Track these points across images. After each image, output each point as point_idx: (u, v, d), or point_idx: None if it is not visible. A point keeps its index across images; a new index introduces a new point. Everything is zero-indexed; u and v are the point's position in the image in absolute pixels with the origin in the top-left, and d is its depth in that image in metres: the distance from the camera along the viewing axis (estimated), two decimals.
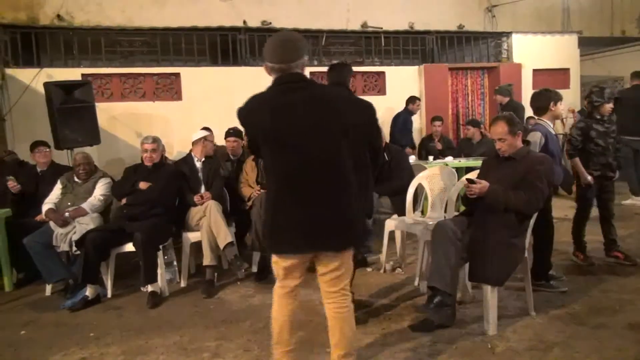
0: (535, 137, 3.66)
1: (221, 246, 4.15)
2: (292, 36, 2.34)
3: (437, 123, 7.25)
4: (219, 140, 5.49)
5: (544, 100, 3.87)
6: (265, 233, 2.41)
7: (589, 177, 4.12)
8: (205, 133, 4.77)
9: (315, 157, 2.22)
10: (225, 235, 4.14)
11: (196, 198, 4.38)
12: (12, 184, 4.54)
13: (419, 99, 7.32)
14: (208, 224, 4.17)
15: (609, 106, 4.20)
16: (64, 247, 4.15)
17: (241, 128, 2.45)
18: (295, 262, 2.32)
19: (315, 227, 2.22)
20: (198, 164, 4.62)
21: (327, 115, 2.23)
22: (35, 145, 4.90)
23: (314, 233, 2.23)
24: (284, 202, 2.25)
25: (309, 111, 2.20)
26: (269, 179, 2.35)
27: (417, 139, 7.72)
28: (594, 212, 4.47)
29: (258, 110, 2.24)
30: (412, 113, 7.27)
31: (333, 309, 2.36)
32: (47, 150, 4.93)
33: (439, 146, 7.11)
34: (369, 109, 2.93)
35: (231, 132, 5.31)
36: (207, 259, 4.16)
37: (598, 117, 4.21)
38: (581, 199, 4.30)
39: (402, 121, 7.18)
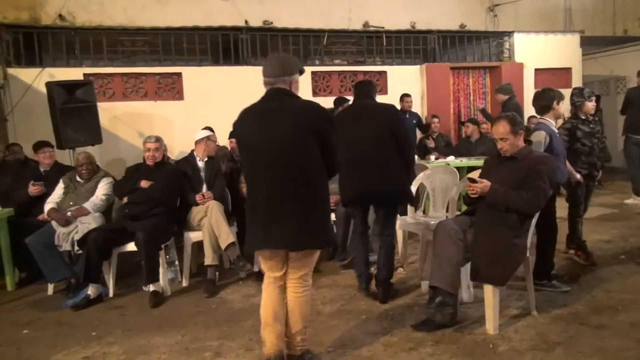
0: (540, 137, 3.66)
1: (223, 247, 4.15)
2: (283, 56, 2.79)
3: (435, 120, 7.27)
4: (222, 139, 5.48)
5: (547, 99, 3.86)
6: (247, 232, 2.68)
7: (578, 175, 4.13)
8: (208, 133, 4.77)
9: (280, 162, 2.50)
10: (227, 235, 4.14)
11: (198, 197, 4.38)
12: (39, 189, 4.47)
13: (407, 96, 7.27)
14: (209, 224, 4.17)
15: (590, 104, 4.24)
16: (66, 246, 4.16)
17: None
18: (270, 255, 2.61)
19: (277, 229, 2.50)
20: (200, 164, 4.62)
21: (294, 122, 2.51)
22: (39, 146, 4.89)
23: (278, 234, 2.51)
24: (255, 205, 2.57)
25: (279, 119, 2.52)
26: (246, 183, 2.72)
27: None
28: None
29: (242, 120, 2.63)
30: (403, 111, 7.24)
31: (291, 293, 2.67)
32: (52, 150, 4.92)
33: (431, 143, 7.15)
34: (387, 111, 3.73)
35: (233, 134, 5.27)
36: (209, 259, 4.16)
37: (583, 117, 4.24)
38: (572, 198, 4.30)
39: None
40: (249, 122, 2.58)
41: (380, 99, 7.35)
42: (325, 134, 2.56)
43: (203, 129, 5.06)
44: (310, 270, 2.69)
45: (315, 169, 2.55)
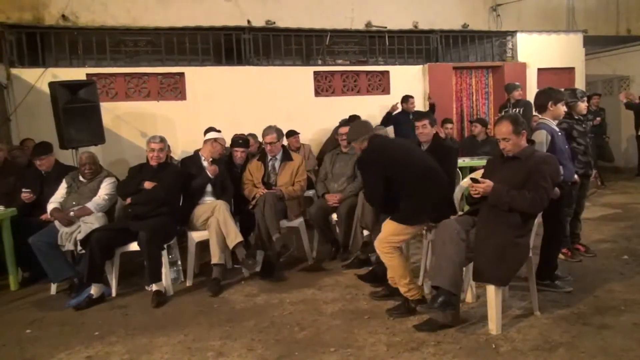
0: (541, 137, 3.65)
1: (230, 246, 4.14)
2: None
3: (449, 126, 7.22)
4: (227, 139, 5.44)
5: (543, 99, 3.88)
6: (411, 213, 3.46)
7: (575, 176, 4.13)
8: (217, 135, 4.71)
9: (428, 166, 3.49)
10: (235, 235, 4.14)
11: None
12: (28, 196, 4.49)
13: (411, 97, 7.25)
14: (217, 224, 4.16)
15: (583, 105, 4.33)
16: (69, 246, 4.16)
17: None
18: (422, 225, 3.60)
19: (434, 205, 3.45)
20: (205, 164, 4.58)
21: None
22: (36, 155, 4.75)
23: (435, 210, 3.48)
24: (425, 193, 3.39)
25: (408, 144, 3.82)
26: (401, 187, 3.42)
27: None
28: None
29: (387, 151, 3.51)
30: (407, 112, 7.22)
31: None
32: (45, 157, 4.74)
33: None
34: None
35: (240, 143, 4.99)
36: (215, 257, 4.15)
37: (577, 117, 4.31)
38: (566, 198, 4.29)
39: (395, 122, 7.17)
40: (398, 150, 3.55)
41: (382, 98, 7.47)
42: None
43: (207, 129, 5.06)
44: None
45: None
